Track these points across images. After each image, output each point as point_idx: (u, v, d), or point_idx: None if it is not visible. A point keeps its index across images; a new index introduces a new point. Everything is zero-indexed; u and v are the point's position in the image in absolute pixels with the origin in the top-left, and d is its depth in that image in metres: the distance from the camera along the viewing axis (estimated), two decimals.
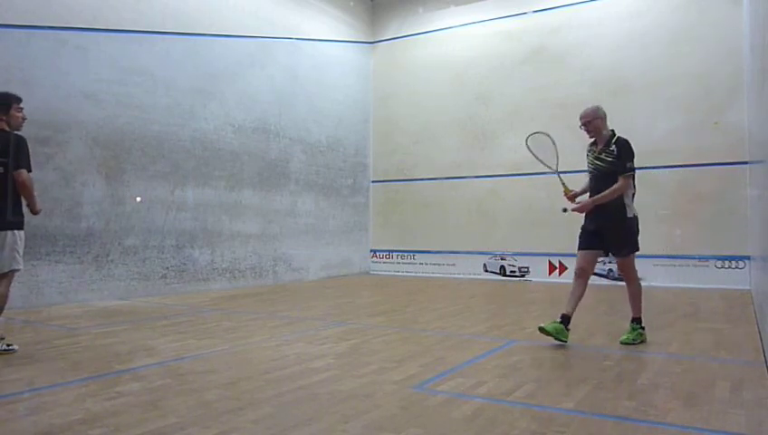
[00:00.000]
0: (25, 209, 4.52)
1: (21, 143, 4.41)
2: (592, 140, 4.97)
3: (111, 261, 7.85)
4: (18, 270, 4.46)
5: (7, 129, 4.42)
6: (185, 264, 8.88)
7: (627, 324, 5.97)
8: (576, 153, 10.67)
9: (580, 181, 5.13)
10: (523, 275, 11.25)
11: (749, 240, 8.99)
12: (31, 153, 4.49)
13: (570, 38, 11.10)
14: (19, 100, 4.54)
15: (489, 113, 11.85)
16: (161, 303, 7.60)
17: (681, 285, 9.69)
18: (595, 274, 10.56)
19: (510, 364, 4.12)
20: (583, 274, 4.88)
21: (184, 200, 8.86)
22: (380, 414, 2.97)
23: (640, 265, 10.01)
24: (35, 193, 4.52)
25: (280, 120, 10.77)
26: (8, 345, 4.43)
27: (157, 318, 6.28)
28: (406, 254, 12.67)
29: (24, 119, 4.56)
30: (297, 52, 11.24)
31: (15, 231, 4.42)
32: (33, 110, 6.99)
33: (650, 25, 10.40)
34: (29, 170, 4.43)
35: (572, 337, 5.28)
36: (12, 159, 4.34)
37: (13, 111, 4.46)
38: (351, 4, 12.78)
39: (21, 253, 4.46)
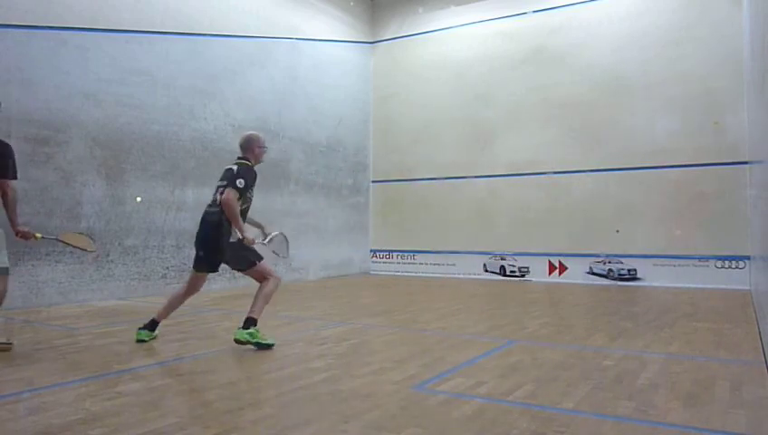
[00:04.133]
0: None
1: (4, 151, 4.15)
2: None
3: (111, 261, 7.85)
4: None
5: None
6: (185, 264, 8.86)
7: (626, 324, 6.00)
8: (576, 154, 10.65)
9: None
10: (523, 275, 11.25)
11: (749, 240, 9.00)
12: (17, 158, 4.24)
13: (570, 38, 11.10)
14: None
15: (489, 113, 11.85)
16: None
17: (681, 284, 9.69)
18: (595, 274, 10.62)
19: (510, 364, 4.11)
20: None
21: (184, 200, 8.86)
22: (380, 414, 2.97)
23: (641, 265, 10.18)
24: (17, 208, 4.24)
25: (280, 120, 10.77)
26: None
27: None
28: (406, 254, 12.67)
29: None
30: (297, 52, 11.23)
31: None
32: (34, 110, 7.03)
33: (650, 26, 10.40)
34: (10, 178, 4.15)
35: (572, 337, 5.29)
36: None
37: None
38: (351, 3, 12.78)
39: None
